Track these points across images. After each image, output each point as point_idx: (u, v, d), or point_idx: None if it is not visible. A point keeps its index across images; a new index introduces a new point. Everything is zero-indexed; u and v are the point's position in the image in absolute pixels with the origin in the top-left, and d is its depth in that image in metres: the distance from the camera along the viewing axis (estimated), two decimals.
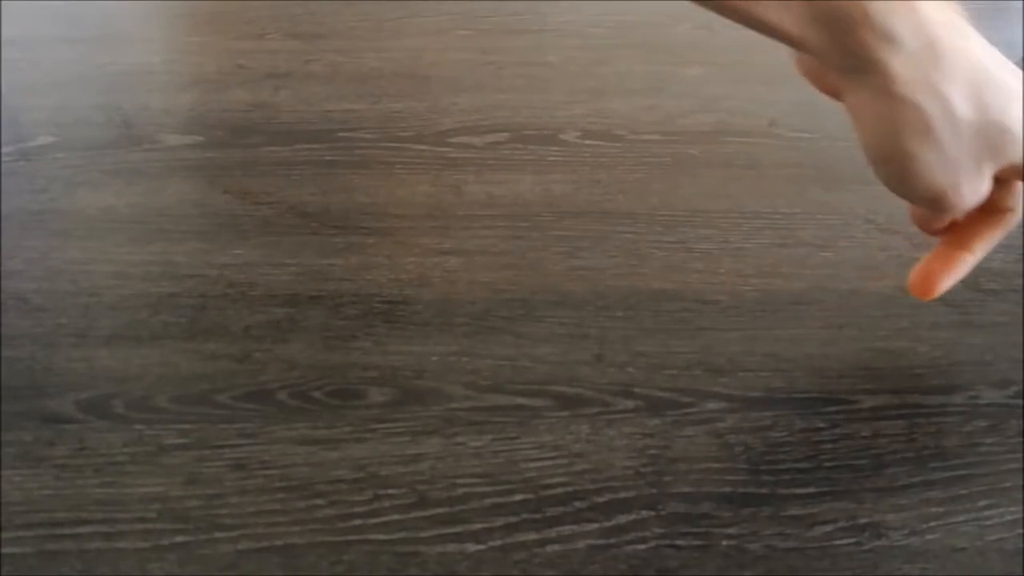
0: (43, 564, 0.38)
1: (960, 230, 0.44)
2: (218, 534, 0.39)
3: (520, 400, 0.46)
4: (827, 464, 0.43)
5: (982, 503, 0.41)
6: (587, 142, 0.69)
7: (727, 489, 0.42)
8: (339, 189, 0.63)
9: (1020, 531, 0.40)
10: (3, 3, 0.92)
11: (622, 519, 0.40)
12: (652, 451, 0.43)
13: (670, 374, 0.48)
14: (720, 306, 0.52)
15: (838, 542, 0.40)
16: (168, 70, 0.81)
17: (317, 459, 0.43)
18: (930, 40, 0.35)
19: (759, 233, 0.58)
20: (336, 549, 0.39)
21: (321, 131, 0.70)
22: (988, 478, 0.42)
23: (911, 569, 0.38)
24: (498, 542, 0.39)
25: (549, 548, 0.39)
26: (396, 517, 0.40)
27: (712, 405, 0.46)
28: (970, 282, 0.47)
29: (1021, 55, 0.83)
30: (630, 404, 0.46)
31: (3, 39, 0.84)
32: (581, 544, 0.39)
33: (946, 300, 0.46)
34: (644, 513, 0.41)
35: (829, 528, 0.40)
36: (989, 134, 0.38)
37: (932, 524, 0.40)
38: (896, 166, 0.38)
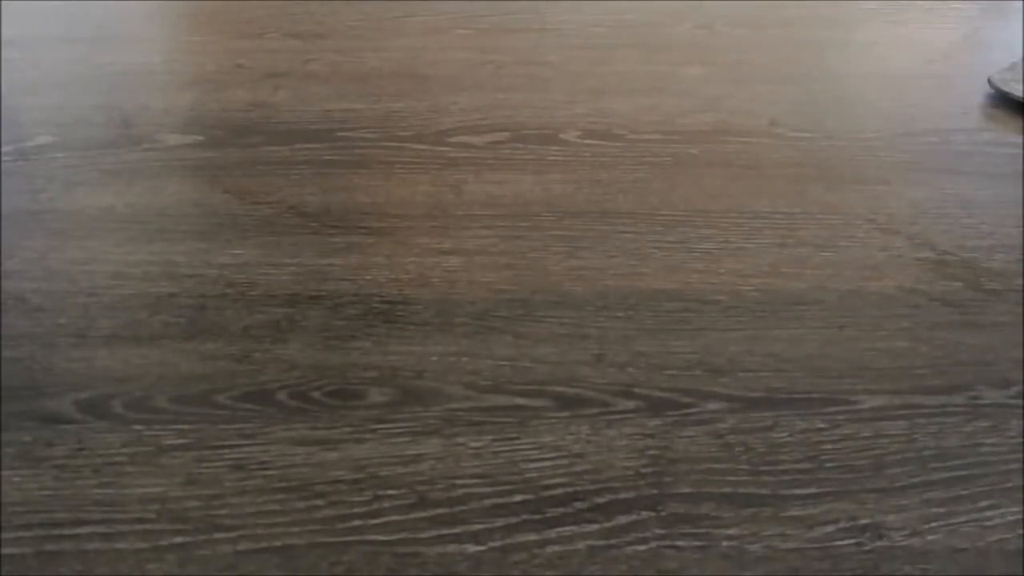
0: (42, 564, 0.38)
1: None
2: (217, 535, 0.39)
3: (520, 400, 0.46)
4: (828, 464, 0.43)
5: (983, 503, 0.41)
6: (587, 142, 0.69)
7: (728, 490, 0.42)
8: (339, 189, 0.63)
9: (1021, 531, 0.40)
10: (3, 3, 0.92)
11: (622, 520, 0.40)
12: (652, 451, 0.43)
13: (670, 374, 0.48)
14: (720, 306, 0.52)
15: (839, 543, 0.39)
16: (168, 70, 0.81)
17: (317, 460, 0.43)
18: None
19: (759, 233, 0.58)
20: (336, 550, 0.39)
21: (321, 131, 0.70)
22: (989, 478, 0.42)
23: (912, 570, 0.38)
24: (498, 543, 0.39)
25: (549, 549, 0.39)
26: (396, 518, 0.40)
27: (712, 405, 0.46)
28: (970, 282, 0.47)
29: (1021, 55, 0.83)
30: (630, 404, 0.46)
31: (3, 39, 0.84)
32: (581, 545, 0.39)
33: (946, 300, 0.46)
34: (644, 514, 0.40)
35: (830, 529, 0.40)
36: None
37: (933, 524, 0.40)
38: None
